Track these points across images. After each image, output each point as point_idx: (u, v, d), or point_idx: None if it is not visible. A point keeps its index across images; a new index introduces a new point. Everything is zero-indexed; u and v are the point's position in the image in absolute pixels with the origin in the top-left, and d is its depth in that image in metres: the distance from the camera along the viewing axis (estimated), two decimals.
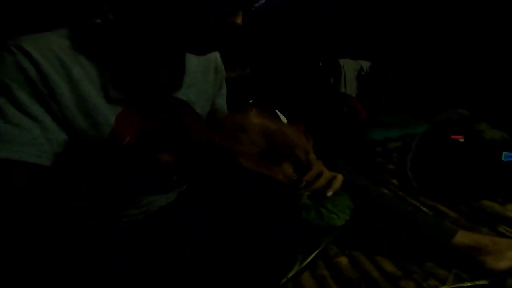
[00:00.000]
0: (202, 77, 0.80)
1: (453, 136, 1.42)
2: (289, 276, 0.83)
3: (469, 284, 0.83)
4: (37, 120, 0.57)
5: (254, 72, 2.36)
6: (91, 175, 0.61)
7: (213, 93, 0.86)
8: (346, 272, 0.91)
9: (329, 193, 0.74)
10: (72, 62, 0.58)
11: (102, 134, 0.63)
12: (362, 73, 2.74)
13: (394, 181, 1.37)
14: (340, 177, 0.76)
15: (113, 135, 0.64)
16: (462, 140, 1.42)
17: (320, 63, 2.72)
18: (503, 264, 0.83)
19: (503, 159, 1.25)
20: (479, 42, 1.94)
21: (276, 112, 1.88)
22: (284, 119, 1.83)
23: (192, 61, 0.77)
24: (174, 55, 0.72)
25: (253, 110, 0.54)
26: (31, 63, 0.55)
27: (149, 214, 0.79)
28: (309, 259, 0.81)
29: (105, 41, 0.63)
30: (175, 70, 0.74)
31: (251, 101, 2.15)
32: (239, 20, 0.59)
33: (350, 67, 2.73)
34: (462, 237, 0.88)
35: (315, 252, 0.81)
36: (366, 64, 2.76)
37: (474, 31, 1.95)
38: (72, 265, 0.70)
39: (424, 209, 1.16)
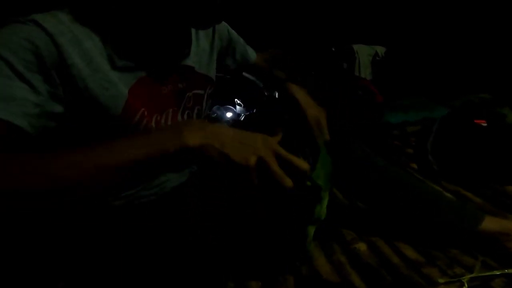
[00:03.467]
0: (205, 41, 0.80)
1: (475, 120, 1.36)
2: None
3: (498, 273, 0.78)
4: (30, 85, 0.53)
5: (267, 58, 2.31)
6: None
7: (220, 53, 0.87)
8: (364, 258, 0.87)
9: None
10: (83, 35, 0.58)
11: (117, 107, 0.62)
12: (377, 58, 2.67)
13: (413, 165, 1.32)
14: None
15: (126, 107, 0.63)
16: (484, 124, 1.36)
17: (333, 49, 2.67)
18: None
19: None
20: (501, 25, 1.86)
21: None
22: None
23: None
24: (180, 25, 0.70)
25: None
26: (46, 34, 0.54)
27: (161, 195, 0.76)
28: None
29: (112, 14, 0.62)
30: (182, 38, 0.73)
31: (262, 85, 2.11)
32: None
33: (364, 53, 2.66)
34: (490, 223, 0.83)
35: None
36: (380, 50, 2.69)
37: (496, 13, 1.87)
38: (80, 248, 0.69)
39: (447, 194, 1.11)
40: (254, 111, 1.98)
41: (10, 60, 0.52)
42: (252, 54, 1.00)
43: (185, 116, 0.74)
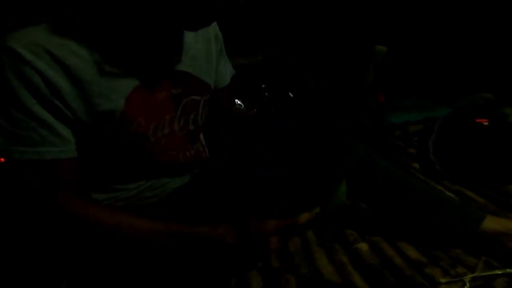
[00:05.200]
0: (205, 47, 0.78)
1: (477, 120, 1.36)
2: None
3: (500, 272, 0.78)
4: (42, 120, 0.57)
5: (267, 58, 2.32)
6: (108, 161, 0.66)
7: (218, 61, 0.84)
8: (366, 258, 0.87)
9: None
10: (64, 53, 0.55)
11: (113, 118, 0.62)
12: (379, 58, 2.66)
13: (415, 165, 1.32)
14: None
15: (123, 117, 0.62)
16: (486, 123, 1.36)
17: (351, 46, 2.65)
18: None
19: None
20: (502, 24, 1.85)
21: (290, 95, 1.83)
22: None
23: (191, 32, 0.73)
24: (170, 29, 0.68)
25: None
26: (22, 62, 0.53)
27: (163, 196, 0.77)
28: None
29: (97, 24, 0.60)
30: (175, 43, 0.71)
31: (263, 85, 2.11)
32: None
33: None
34: (491, 223, 0.83)
35: None
36: (382, 49, 2.68)
37: (497, 13, 1.87)
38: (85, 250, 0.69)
39: (449, 194, 1.10)
40: (255, 111, 1.99)
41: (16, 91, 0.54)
42: (226, 79, 0.91)
43: (182, 122, 0.73)
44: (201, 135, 0.86)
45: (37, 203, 0.59)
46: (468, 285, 0.75)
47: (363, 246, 0.91)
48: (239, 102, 2.07)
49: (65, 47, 0.56)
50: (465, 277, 0.77)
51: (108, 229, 0.61)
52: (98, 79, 0.59)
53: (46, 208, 0.59)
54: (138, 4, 0.57)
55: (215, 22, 0.83)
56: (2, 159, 0.68)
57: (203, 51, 0.77)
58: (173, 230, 0.61)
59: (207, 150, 0.87)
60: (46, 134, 0.57)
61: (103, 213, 0.62)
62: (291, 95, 1.80)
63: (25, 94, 0.54)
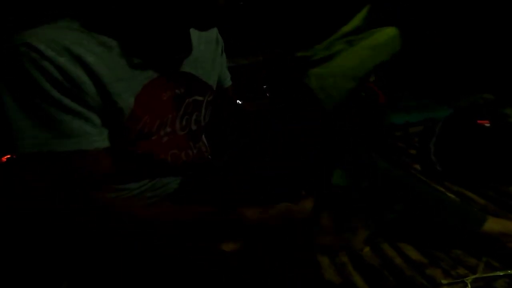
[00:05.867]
0: (207, 49, 0.79)
1: (479, 121, 1.36)
2: None
3: (501, 273, 0.78)
4: (74, 112, 0.56)
5: (267, 58, 2.31)
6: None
7: (221, 62, 0.85)
8: (367, 259, 0.87)
9: None
10: (82, 51, 0.56)
11: (123, 117, 0.62)
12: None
13: (416, 166, 1.32)
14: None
15: (132, 116, 0.63)
16: (488, 125, 1.36)
17: None
18: None
19: None
20: (504, 25, 1.85)
21: (290, 95, 1.83)
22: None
23: (194, 34, 0.75)
24: (179, 28, 0.70)
25: None
26: (44, 58, 0.53)
27: (164, 197, 0.77)
28: None
29: (110, 24, 0.61)
30: (183, 42, 0.72)
31: (264, 86, 2.11)
32: (221, 1, 0.58)
33: None
34: (493, 224, 0.83)
35: None
36: None
37: (498, 14, 1.87)
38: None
39: (450, 194, 1.10)
40: (258, 109, 1.98)
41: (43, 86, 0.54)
42: (228, 80, 0.93)
43: (183, 122, 0.74)
44: (203, 136, 0.86)
45: (79, 196, 0.59)
46: (469, 286, 0.75)
47: (364, 247, 0.91)
48: (240, 102, 2.07)
49: (82, 45, 0.57)
50: (467, 278, 0.77)
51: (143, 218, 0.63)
52: (113, 77, 0.60)
53: (88, 200, 0.60)
54: (150, 3, 0.59)
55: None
56: (4, 159, 0.68)
57: (206, 53, 0.78)
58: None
59: (209, 150, 0.88)
60: (82, 125, 0.57)
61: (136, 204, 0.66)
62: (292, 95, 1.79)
63: (51, 88, 0.54)
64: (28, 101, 0.54)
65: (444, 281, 0.77)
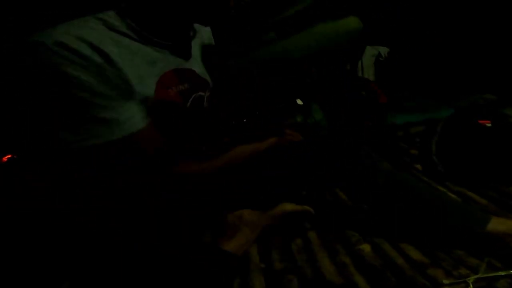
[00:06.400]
0: (198, 48, 0.83)
1: (480, 121, 1.35)
2: None
3: (503, 273, 0.77)
4: (116, 100, 0.60)
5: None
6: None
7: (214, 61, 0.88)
8: (369, 259, 0.87)
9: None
10: (106, 46, 0.60)
11: (147, 103, 0.66)
12: (380, 59, 2.66)
13: (418, 166, 1.32)
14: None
15: (156, 99, 0.67)
16: (489, 125, 1.35)
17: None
18: None
19: None
20: (504, 25, 1.84)
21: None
22: (300, 102, 1.78)
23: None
24: (187, 27, 0.76)
25: None
26: (79, 56, 0.57)
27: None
28: None
29: (128, 18, 0.66)
30: (187, 39, 0.78)
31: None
32: (231, 3, 0.64)
33: (367, 53, 2.65)
34: (496, 224, 0.83)
35: None
36: (384, 50, 2.67)
37: (499, 14, 1.86)
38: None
39: (452, 195, 1.10)
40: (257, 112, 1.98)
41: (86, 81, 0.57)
42: None
43: None
44: None
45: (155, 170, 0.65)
46: (471, 286, 0.75)
47: (366, 247, 0.91)
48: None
49: (108, 43, 0.61)
50: (468, 278, 0.76)
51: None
52: (135, 75, 0.64)
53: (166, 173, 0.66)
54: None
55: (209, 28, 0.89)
56: (5, 159, 0.68)
57: (199, 52, 0.83)
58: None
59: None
60: (125, 111, 0.61)
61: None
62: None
63: (92, 81, 0.57)
64: (70, 97, 0.57)
65: (445, 281, 0.77)
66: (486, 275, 0.77)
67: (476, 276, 0.77)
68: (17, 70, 0.58)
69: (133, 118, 0.62)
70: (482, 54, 1.93)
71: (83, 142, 0.58)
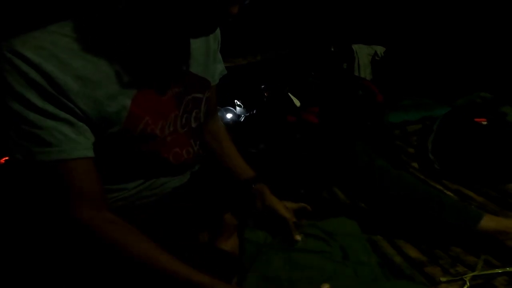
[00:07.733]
0: (203, 45, 0.78)
1: (476, 119, 1.36)
2: None
3: (500, 271, 0.78)
4: (59, 118, 0.56)
5: (265, 58, 2.32)
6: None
7: (219, 60, 0.85)
8: None
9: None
10: (71, 57, 0.56)
11: (120, 119, 0.62)
12: (377, 58, 2.66)
13: (415, 164, 1.32)
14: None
15: (129, 118, 0.63)
16: (485, 123, 1.36)
17: (332, 49, 2.66)
18: None
19: None
20: (500, 23, 1.85)
21: (289, 96, 1.84)
22: (297, 103, 1.79)
23: None
24: (176, 37, 0.69)
25: None
26: (30, 65, 0.53)
27: (161, 196, 0.77)
28: None
29: (111, 32, 0.60)
30: (180, 49, 0.72)
31: (262, 86, 2.12)
32: (235, 10, 0.57)
33: (363, 52, 2.65)
34: (489, 221, 0.84)
35: None
36: (380, 49, 2.68)
37: (495, 12, 1.87)
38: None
39: (448, 193, 1.11)
40: (254, 112, 1.98)
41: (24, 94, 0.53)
42: (219, 75, 0.89)
43: (183, 120, 0.74)
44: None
45: (64, 207, 0.58)
46: (468, 284, 0.75)
47: None
48: (238, 102, 2.07)
49: (72, 50, 0.56)
50: (465, 276, 0.77)
51: (124, 253, 0.60)
52: (106, 80, 0.59)
53: (71, 214, 0.58)
54: (144, 12, 0.58)
55: None
56: (2, 160, 0.68)
57: (202, 49, 0.77)
58: (193, 281, 0.58)
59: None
60: (68, 132, 0.56)
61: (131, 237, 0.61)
62: (290, 95, 1.80)
63: (33, 95, 0.54)
64: (11, 108, 0.54)
65: (443, 279, 0.77)
66: (483, 273, 0.78)
67: (473, 274, 0.78)
68: None
69: (72, 142, 0.57)
70: (478, 52, 1.94)
71: (16, 155, 0.55)
